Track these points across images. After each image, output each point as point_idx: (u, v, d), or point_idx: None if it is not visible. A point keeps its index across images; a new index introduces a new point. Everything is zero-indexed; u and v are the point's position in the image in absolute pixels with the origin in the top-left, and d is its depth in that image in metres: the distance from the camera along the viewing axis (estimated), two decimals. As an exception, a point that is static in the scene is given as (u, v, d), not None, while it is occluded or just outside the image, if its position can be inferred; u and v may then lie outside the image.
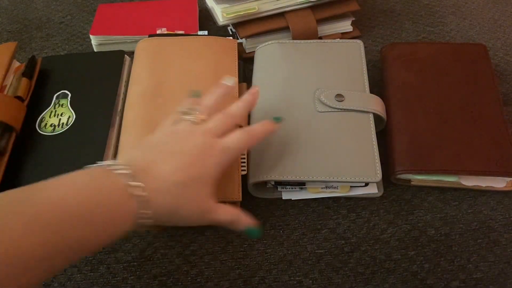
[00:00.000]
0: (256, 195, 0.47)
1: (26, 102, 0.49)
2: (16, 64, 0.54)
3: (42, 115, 0.50)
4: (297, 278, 0.42)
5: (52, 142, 0.47)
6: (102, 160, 0.45)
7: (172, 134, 0.39)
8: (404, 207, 0.46)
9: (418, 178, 0.47)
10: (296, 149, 0.45)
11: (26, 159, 0.46)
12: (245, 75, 0.56)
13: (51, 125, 0.49)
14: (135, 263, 0.43)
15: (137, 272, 0.42)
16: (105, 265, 0.43)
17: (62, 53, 0.63)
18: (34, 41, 0.65)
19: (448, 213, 0.46)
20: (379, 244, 0.44)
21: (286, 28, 0.59)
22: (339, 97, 0.48)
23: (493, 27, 0.66)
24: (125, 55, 0.56)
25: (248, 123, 0.49)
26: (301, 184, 0.46)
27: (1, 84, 0.50)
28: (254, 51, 0.60)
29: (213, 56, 0.54)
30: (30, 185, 0.31)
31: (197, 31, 0.62)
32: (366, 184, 0.45)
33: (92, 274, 0.42)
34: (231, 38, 0.57)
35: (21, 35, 0.66)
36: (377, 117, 0.49)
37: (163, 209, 0.35)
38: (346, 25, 0.63)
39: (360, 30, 0.64)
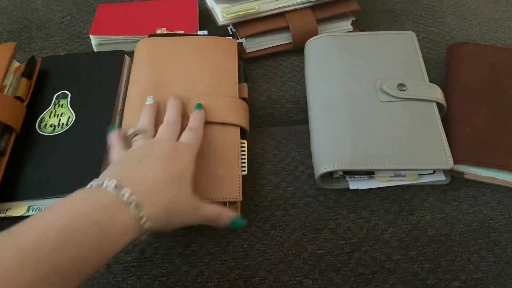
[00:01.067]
0: (321, 186, 0.47)
1: (26, 102, 0.49)
2: (16, 64, 0.54)
3: (42, 115, 0.50)
4: (297, 279, 0.42)
5: (52, 142, 0.47)
6: (101, 160, 0.45)
7: (137, 149, 0.41)
8: (404, 207, 0.46)
9: (472, 172, 0.47)
10: (364, 139, 0.46)
11: (26, 159, 0.46)
12: (245, 75, 0.56)
13: (51, 125, 0.49)
14: (136, 264, 0.43)
15: (138, 273, 0.42)
16: (105, 266, 0.43)
17: (62, 53, 0.63)
18: (34, 41, 0.65)
19: (448, 213, 0.46)
20: (379, 245, 0.44)
21: (286, 28, 0.59)
22: (402, 86, 0.49)
23: (493, 27, 0.66)
24: (125, 55, 0.56)
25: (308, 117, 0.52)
26: (370, 173, 0.46)
27: (1, 84, 0.49)
28: (254, 51, 0.60)
29: (213, 56, 0.53)
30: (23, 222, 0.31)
31: (197, 31, 0.62)
32: (434, 172, 0.46)
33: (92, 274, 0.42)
34: (231, 38, 0.57)
35: (21, 35, 0.66)
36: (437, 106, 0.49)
37: (157, 208, 0.36)
38: (346, 25, 0.63)
39: (360, 30, 0.64)
